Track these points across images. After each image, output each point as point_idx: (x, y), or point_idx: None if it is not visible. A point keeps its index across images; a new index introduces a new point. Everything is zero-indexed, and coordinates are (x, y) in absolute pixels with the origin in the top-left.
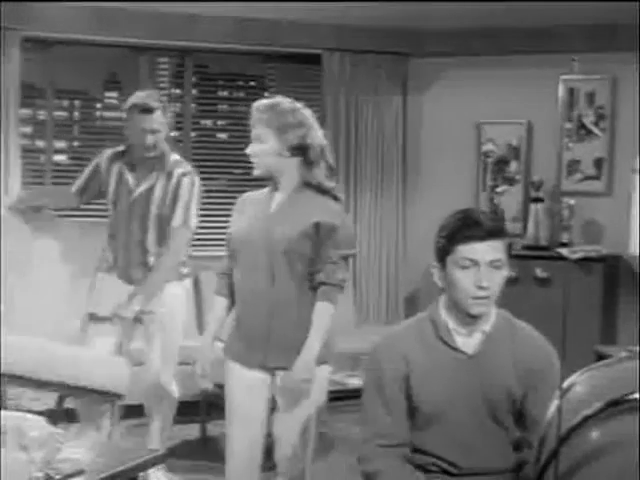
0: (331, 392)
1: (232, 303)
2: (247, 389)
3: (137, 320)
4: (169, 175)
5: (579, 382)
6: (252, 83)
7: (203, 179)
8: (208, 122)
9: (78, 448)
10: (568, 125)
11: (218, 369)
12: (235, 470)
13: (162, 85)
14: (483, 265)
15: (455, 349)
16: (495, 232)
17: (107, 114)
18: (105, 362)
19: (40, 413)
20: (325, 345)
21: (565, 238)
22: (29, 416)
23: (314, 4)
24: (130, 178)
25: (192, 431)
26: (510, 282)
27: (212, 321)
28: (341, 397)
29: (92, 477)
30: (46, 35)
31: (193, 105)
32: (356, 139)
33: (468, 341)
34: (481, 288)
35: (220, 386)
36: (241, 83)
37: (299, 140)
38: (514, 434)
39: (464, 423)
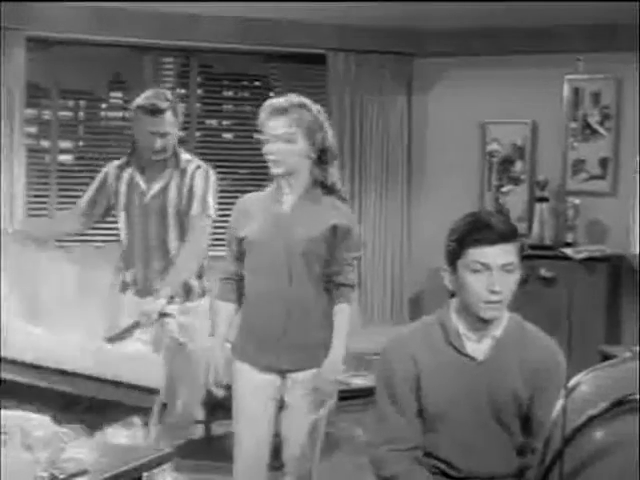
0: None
1: (238, 306)
2: (256, 390)
3: (164, 315)
4: (183, 172)
5: (584, 382)
6: (257, 83)
7: None
8: (213, 122)
9: (82, 448)
10: (573, 125)
11: (226, 370)
12: (243, 470)
13: (167, 85)
14: (495, 269)
15: (464, 354)
16: (507, 235)
17: (112, 114)
18: (141, 357)
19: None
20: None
21: (570, 238)
22: (33, 416)
23: (318, 4)
24: (141, 181)
25: (196, 430)
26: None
27: (221, 326)
28: (345, 397)
29: (96, 477)
30: (50, 35)
31: (198, 105)
32: (361, 139)
33: (478, 347)
34: (493, 292)
35: (227, 387)
36: (246, 83)
37: (323, 142)
38: (518, 439)
39: (469, 426)
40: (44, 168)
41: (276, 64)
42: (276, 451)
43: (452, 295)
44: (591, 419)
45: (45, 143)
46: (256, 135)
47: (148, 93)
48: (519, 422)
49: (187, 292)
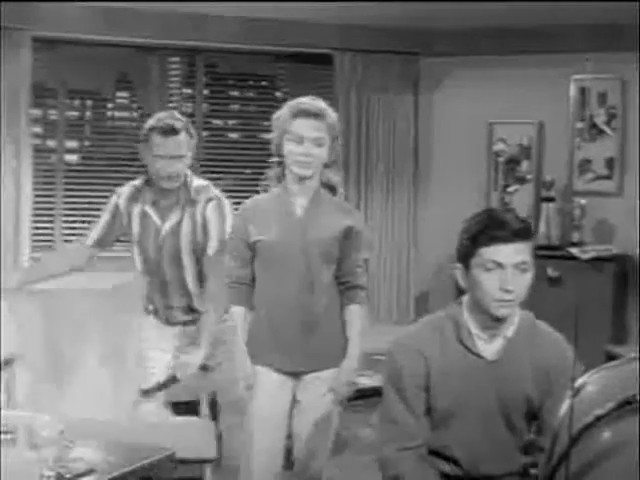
0: None
1: (249, 310)
2: (272, 391)
3: (205, 369)
4: (193, 204)
5: (590, 382)
6: (263, 83)
7: (213, 179)
8: (219, 122)
9: (88, 447)
10: (579, 125)
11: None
12: (258, 469)
13: (173, 85)
14: (509, 268)
15: (475, 354)
16: (521, 233)
17: (118, 114)
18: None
19: None
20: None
21: (576, 238)
22: (40, 415)
23: (324, 4)
24: (154, 216)
25: None
26: None
27: (238, 333)
28: (352, 397)
29: (102, 476)
30: (57, 35)
31: (204, 105)
32: (367, 139)
33: (489, 347)
34: (506, 291)
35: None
36: (252, 83)
37: (337, 148)
38: (525, 438)
39: (476, 426)
40: (50, 168)
41: (282, 64)
42: (287, 451)
43: (458, 294)
44: (598, 419)
45: (51, 143)
46: (273, 133)
47: (160, 115)
48: (527, 421)
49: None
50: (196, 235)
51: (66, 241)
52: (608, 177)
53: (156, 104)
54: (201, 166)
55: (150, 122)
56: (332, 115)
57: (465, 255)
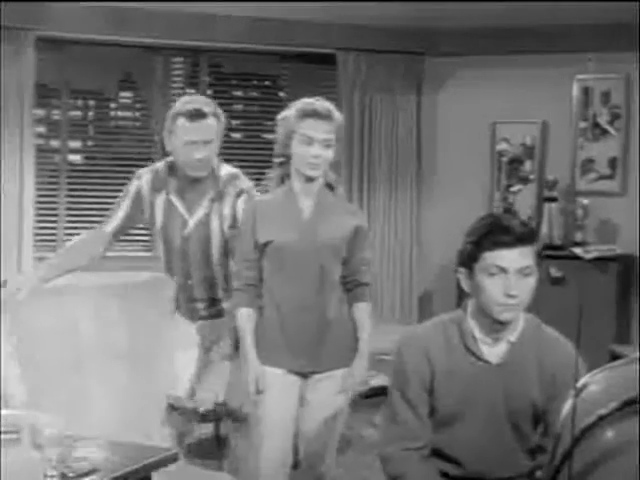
0: None
1: (256, 311)
2: (282, 391)
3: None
4: (222, 196)
5: (594, 382)
6: (266, 83)
7: None
8: None
9: (92, 447)
10: (582, 124)
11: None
12: (266, 469)
13: (176, 85)
14: (512, 273)
15: (479, 358)
16: (525, 238)
17: (121, 114)
18: None
19: None
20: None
21: (579, 237)
22: (43, 415)
23: (328, 3)
24: (181, 207)
25: (206, 430)
26: None
27: (248, 335)
28: (365, 395)
29: (105, 475)
30: (60, 35)
31: None
32: (370, 139)
33: (493, 350)
34: (510, 296)
35: None
36: (255, 83)
37: (341, 148)
38: (531, 441)
39: (481, 429)
40: (53, 168)
41: (286, 64)
42: (293, 451)
43: (461, 294)
44: (601, 419)
45: (54, 143)
46: (278, 133)
47: (186, 98)
48: (533, 424)
49: None
50: (224, 229)
51: (69, 241)
52: (611, 177)
53: (159, 104)
54: None
55: (176, 106)
56: (339, 116)
57: (469, 260)
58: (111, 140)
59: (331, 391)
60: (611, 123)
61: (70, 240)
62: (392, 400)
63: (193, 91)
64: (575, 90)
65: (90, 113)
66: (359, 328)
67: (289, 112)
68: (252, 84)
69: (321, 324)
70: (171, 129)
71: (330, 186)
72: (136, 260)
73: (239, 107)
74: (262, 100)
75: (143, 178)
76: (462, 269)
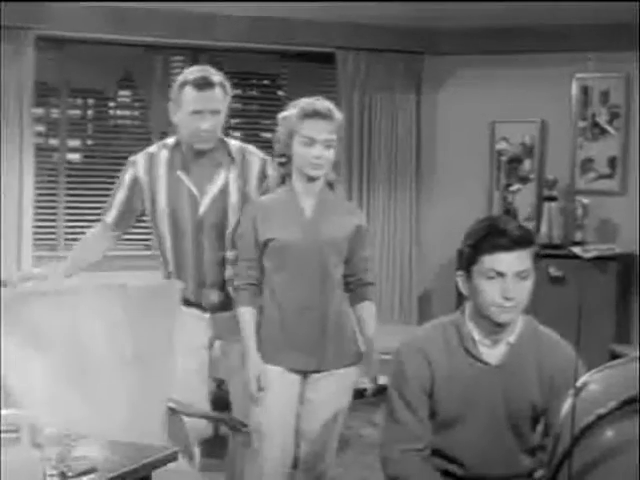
0: None
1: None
2: (284, 390)
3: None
4: (237, 162)
5: (593, 381)
6: (266, 82)
7: None
8: None
9: (92, 446)
10: (582, 124)
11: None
12: (270, 469)
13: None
14: (510, 276)
15: (479, 360)
16: (522, 241)
17: (120, 112)
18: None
19: None
20: (357, 345)
21: (579, 237)
22: (43, 414)
23: (328, 3)
24: (190, 184)
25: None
26: None
27: (250, 335)
28: (355, 396)
29: (105, 475)
30: (60, 34)
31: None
32: (370, 138)
33: (492, 352)
34: (507, 299)
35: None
36: (254, 82)
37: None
38: (530, 441)
39: (482, 430)
40: (53, 167)
41: (285, 63)
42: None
43: (460, 295)
44: (600, 418)
45: (54, 142)
46: (279, 133)
47: (193, 68)
48: (532, 425)
49: None
50: (252, 197)
51: (68, 240)
52: (610, 176)
53: (158, 103)
54: None
55: (182, 76)
56: (339, 116)
57: (467, 262)
58: (110, 139)
59: (331, 390)
60: (610, 122)
61: (68, 239)
62: (392, 402)
63: None
64: (574, 89)
65: (89, 112)
66: (364, 327)
67: (290, 112)
68: (251, 83)
69: (322, 323)
70: (177, 99)
71: (330, 185)
72: (134, 259)
73: (238, 106)
74: (261, 99)
75: (138, 164)
76: (460, 272)
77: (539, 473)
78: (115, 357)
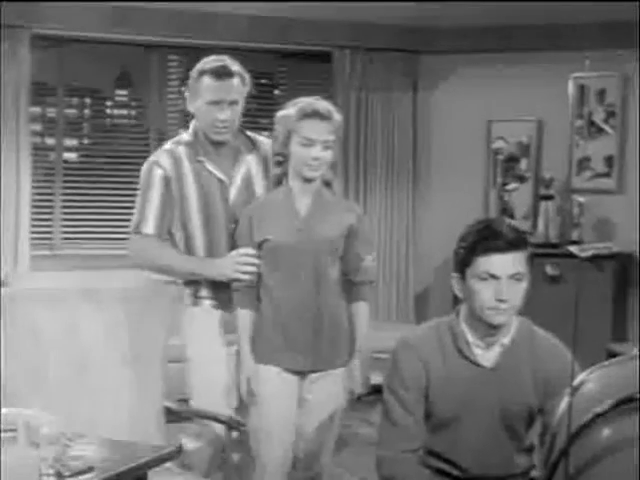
0: None
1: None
2: (282, 390)
3: None
4: (259, 155)
5: (590, 380)
6: (262, 81)
7: None
8: None
9: (88, 445)
10: (578, 122)
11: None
12: (271, 469)
13: (172, 83)
14: (504, 278)
15: (473, 362)
16: (517, 244)
17: (117, 112)
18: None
19: None
20: (354, 345)
21: (575, 236)
22: (40, 413)
23: (326, 2)
24: (218, 172)
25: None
26: None
27: (245, 337)
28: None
29: (102, 474)
30: (57, 33)
31: None
32: (366, 137)
33: (487, 354)
34: (501, 301)
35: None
36: (251, 80)
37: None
38: (526, 442)
39: (477, 432)
40: (49, 166)
41: (282, 62)
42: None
43: (456, 295)
44: (597, 417)
45: (50, 141)
46: (276, 132)
47: (212, 57)
48: (526, 425)
49: None
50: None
51: (65, 239)
52: (607, 175)
53: (155, 102)
54: None
55: (199, 65)
56: (338, 117)
57: (461, 264)
58: (107, 138)
59: (328, 390)
60: (607, 121)
61: (65, 238)
62: (388, 404)
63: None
64: (571, 88)
65: (86, 111)
66: (357, 326)
67: (289, 111)
68: None
69: (317, 323)
70: (195, 88)
71: (328, 184)
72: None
73: None
74: (257, 98)
75: (163, 162)
76: (455, 274)
77: (534, 472)
78: (113, 358)
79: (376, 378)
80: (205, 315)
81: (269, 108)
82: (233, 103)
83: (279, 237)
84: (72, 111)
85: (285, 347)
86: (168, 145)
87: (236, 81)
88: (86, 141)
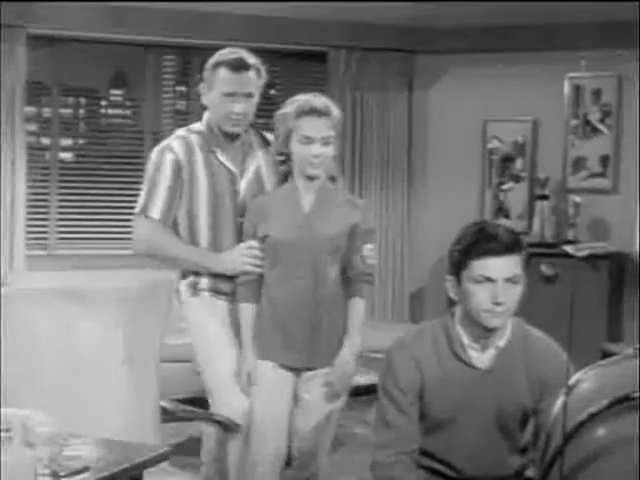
0: None
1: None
2: (278, 387)
3: None
4: (270, 147)
5: (585, 379)
6: None
7: None
8: None
9: (84, 445)
10: (574, 122)
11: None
12: (266, 467)
13: (167, 82)
14: (500, 281)
15: (468, 364)
16: (512, 247)
17: (113, 111)
18: None
19: None
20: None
21: (571, 235)
22: (35, 413)
23: (322, 3)
24: (229, 164)
25: (198, 428)
26: None
27: (247, 331)
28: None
29: (97, 474)
30: (53, 33)
31: (198, 103)
32: (362, 136)
33: (482, 356)
34: (497, 304)
35: None
36: None
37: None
38: (521, 442)
39: (472, 433)
40: (45, 166)
41: (278, 62)
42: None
43: (454, 304)
44: (592, 416)
45: (46, 140)
46: (277, 131)
47: (228, 49)
48: (521, 425)
49: None
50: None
51: (60, 239)
52: (602, 175)
53: (150, 102)
54: None
55: (215, 57)
56: (337, 111)
57: (456, 267)
58: (103, 138)
59: (324, 389)
60: (602, 121)
61: (60, 238)
62: (383, 405)
63: (183, 89)
64: (566, 88)
65: (82, 111)
66: (349, 323)
67: (287, 110)
68: None
69: (314, 320)
70: (210, 80)
71: (332, 178)
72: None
73: None
74: None
75: (175, 147)
76: (449, 277)
77: (529, 472)
78: (109, 357)
79: (371, 377)
80: (206, 304)
81: (265, 108)
82: (249, 96)
83: (279, 233)
84: (67, 111)
85: (281, 344)
86: (181, 132)
87: (252, 74)
88: (81, 141)
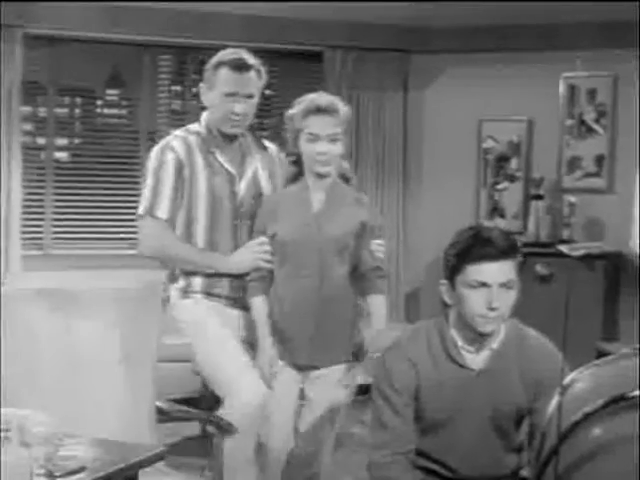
0: None
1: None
2: (285, 385)
3: None
4: (267, 149)
5: (580, 379)
6: None
7: None
8: None
9: (80, 445)
10: (569, 122)
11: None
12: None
13: (163, 82)
14: (495, 286)
15: (463, 366)
16: (507, 251)
17: (108, 111)
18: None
19: None
20: (359, 344)
21: (566, 235)
22: (31, 413)
23: (319, 2)
24: (228, 165)
25: (194, 429)
26: None
27: (263, 324)
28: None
29: (93, 474)
30: (49, 32)
31: (193, 102)
32: (357, 136)
33: (476, 358)
34: (492, 309)
35: None
36: None
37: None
38: (516, 442)
39: (467, 432)
40: (40, 165)
41: (274, 61)
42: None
43: (447, 307)
44: (587, 416)
45: (41, 140)
46: (287, 133)
47: (228, 50)
48: (516, 425)
49: None
50: (277, 188)
51: (55, 239)
52: (598, 174)
53: (146, 102)
54: None
55: (217, 57)
56: (343, 108)
57: (451, 272)
58: (98, 138)
59: (329, 388)
60: (597, 121)
61: (56, 238)
62: (378, 407)
63: (179, 88)
64: (562, 88)
65: (77, 111)
66: (373, 322)
67: (295, 110)
68: None
69: (320, 319)
70: (211, 79)
71: (344, 177)
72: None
73: None
74: None
75: (176, 147)
76: (444, 281)
77: (524, 472)
78: (106, 357)
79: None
80: (201, 305)
81: (260, 108)
82: (249, 96)
83: (287, 232)
84: (63, 110)
85: (286, 341)
86: (179, 132)
87: (253, 74)
88: (77, 141)
